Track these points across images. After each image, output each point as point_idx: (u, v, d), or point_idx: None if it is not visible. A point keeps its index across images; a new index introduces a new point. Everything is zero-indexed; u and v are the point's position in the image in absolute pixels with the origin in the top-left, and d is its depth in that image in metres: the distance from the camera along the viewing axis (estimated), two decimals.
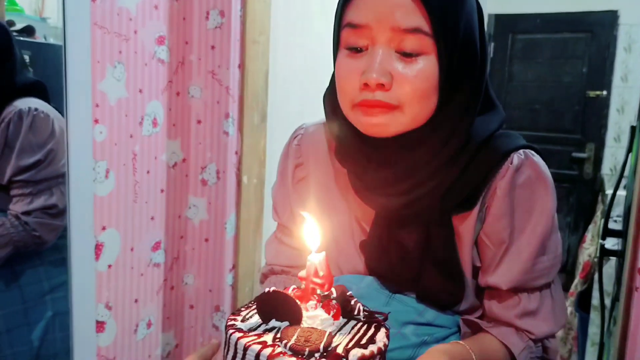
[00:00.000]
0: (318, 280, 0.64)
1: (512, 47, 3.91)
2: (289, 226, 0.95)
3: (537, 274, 0.81)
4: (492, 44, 3.96)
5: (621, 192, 1.90)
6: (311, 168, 0.92)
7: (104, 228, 1.23)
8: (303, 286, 0.65)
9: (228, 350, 0.60)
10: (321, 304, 0.64)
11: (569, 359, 2.57)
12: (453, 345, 0.76)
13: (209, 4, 1.40)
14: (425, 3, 0.70)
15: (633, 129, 1.76)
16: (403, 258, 0.83)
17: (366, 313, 0.66)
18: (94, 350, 1.26)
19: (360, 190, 0.84)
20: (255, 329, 0.61)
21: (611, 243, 1.85)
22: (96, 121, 1.17)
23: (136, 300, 1.36)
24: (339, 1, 0.77)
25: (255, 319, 0.63)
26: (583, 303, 2.34)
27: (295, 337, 0.58)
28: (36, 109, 1.40)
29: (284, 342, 0.57)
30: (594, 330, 2.22)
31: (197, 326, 1.55)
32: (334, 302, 0.64)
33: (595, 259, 2.04)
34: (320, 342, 0.57)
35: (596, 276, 1.91)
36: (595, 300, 2.20)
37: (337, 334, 0.61)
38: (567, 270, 3.74)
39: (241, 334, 0.59)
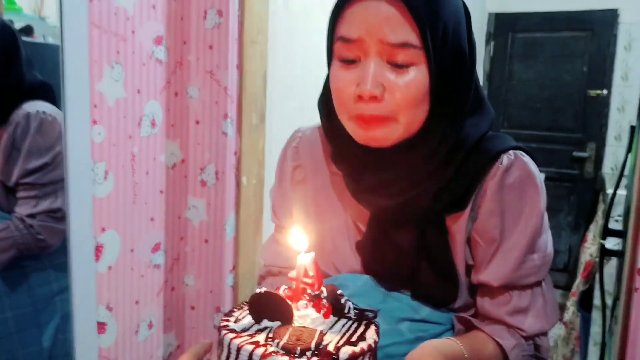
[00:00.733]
0: (308, 280, 0.67)
1: (512, 46, 3.91)
2: (288, 227, 0.96)
3: (527, 271, 0.83)
4: (493, 43, 3.96)
5: (622, 192, 1.90)
6: (309, 170, 0.95)
7: (103, 229, 1.23)
8: (294, 286, 0.67)
9: (222, 350, 0.62)
10: (312, 303, 0.66)
11: (572, 358, 2.57)
12: (445, 341, 0.78)
13: (206, 4, 1.40)
14: (414, 16, 0.72)
15: (633, 128, 1.76)
16: (398, 257, 0.86)
17: (356, 311, 0.68)
18: (96, 351, 1.26)
19: (355, 192, 0.87)
20: (248, 329, 0.63)
21: (612, 243, 1.85)
22: (94, 122, 1.17)
23: (137, 302, 1.36)
24: (330, 14, 0.79)
25: (248, 319, 0.65)
26: (585, 303, 2.34)
27: (287, 336, 0.59)
28: (44, 112, 1.41)
29: (276, 341, 0.59)
30: (595, 329, 2.22)
31: (198, 327, 1.55)
32: (324, 301, 0.66)
33: (597, 259, 2.04)
34: (312, 341, 0.59)
35: (597, 276, 1.91)
36: (596, 300, 2.20)
37: (328, 333, 0.63)
38: (569, 270, 3.74)
39: (234, 335, 0.61)
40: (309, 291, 0.66)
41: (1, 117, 1.41)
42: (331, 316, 0.66)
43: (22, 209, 1.41)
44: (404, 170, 0.81)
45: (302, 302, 0.65)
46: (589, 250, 2.46)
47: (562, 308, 2.65)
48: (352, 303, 0.69)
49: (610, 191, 1.94)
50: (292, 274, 0.67)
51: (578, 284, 2.45)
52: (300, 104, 1.81)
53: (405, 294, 0.87)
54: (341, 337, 0.62)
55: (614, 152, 3.62)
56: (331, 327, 0.64)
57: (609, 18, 3.58)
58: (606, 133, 3.65)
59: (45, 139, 1.41)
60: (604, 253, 1.81)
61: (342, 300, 0.68)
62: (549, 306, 0.86)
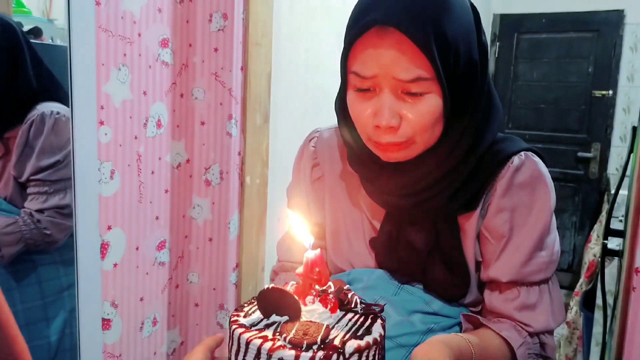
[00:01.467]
0: (315, 276, 0.68)
1: (517, 47, 3.90)
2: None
3: (535, 268, 0.85)
4: (498, 44, 3.95)
5: (625, 192, 1.90)
6: (326, 169, 0.98)
7: (109, 228, 1.26)
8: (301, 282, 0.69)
9: (232, 344, 0.63)
10: (319, 298, 0.67)
11: (575, 358, 2.57)
12: (452, 336, 0.79)
13: (212, 7, 1.42)
14: (424, 52, 0.73)
15: (635, 129, 1.76)
16: (411, 254, 0.88)
17: (363, 305, 0.70)
18: (100, 347, 1.28)
19: (371, 193, 0.90)
20: (257, 324, 0.65)
21: (615, 243, 1.85)
22: (101, 123, 1.19)
23: (142, 299, 1.38)
24: (344, 46, 0.81)
25: (257, 314, 0.67)
26: (588, 303, 2.34)
27: (294, 331, 0.61)
28: (58, 112, 1.46)
29: (284, 335, 0.61)
30: (598, 329, 2.21)
31: (202, 324, 1.57)
32: (331, 296, 0.67)
33: (600, 259, 2.04)
34: (318, 335, 0.60)
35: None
36: (599, 300, 2.20)
37: (335, 327, 0.64)
38: (573, 270, 3.73)
39: (243, 329, 0.63)
40: (316, 287, 0.67)
41: (16, 117, 1.45)
42: (338, 311, 0.68)
43: (32, 204, 1.44)
44: (419, 174, 0.83)
45: (309, 298, 0.67)
46: (593, 251, 2.46)
47: (566, 308, 2.64)
48: (359, 298, 0.70)
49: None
50: (300, 269, 0.69)
51: (581, 284, 2.45)
52: (304, 105, 1.83)
53: (417, 287, 0.90)
54: (347, 331, 0.63)
55: (619, 152, 3.60)
56: (338, 322, 0.66)
57: (615, 19, 3.56)
58: (611, 134, 3.64)
59: (59, 138, 1.45)
60: (606, 253, 1.82)
61: (350, 295, 0.69)
62: (556, 304, 0.88)
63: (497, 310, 0.87)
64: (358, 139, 0.85)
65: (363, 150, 0.87)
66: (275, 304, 0.65)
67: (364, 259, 0.94)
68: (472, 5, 0.82)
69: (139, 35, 1.27)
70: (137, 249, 1.34)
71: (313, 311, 0.65)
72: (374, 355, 0.62)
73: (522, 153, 0.86)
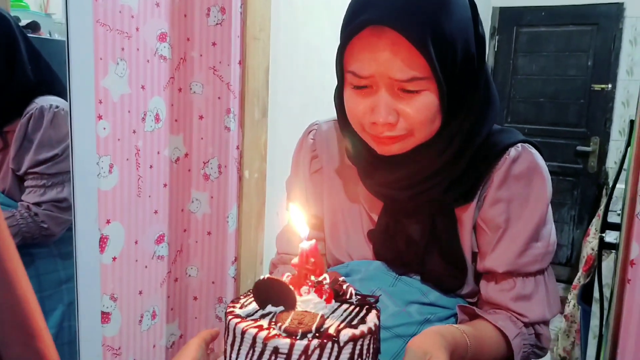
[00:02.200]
0: (310, 267, 0.69)
1: (516, 40, 3.89)
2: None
3: (531, 258, 0.86)
4: (497, 37, 3.95)
5: (623, 186, 1.90)
6: (324, 162, 0.99)
7: (108, 221, 1.26)
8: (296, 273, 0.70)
9: (228, 335, 0.64)
10: (314, 289, 0.68)
11: (572, 351, 2.58)
12: (448, 327, 0.80)
13: (210, 1, 1.42)
14: (421, 52, 0.73)
15: (632, 122, 1.76)
16: (409, 246, 0.89)
17: (358, 297, 0.71)
18: (100, 340, 1.28)
19: (369, 185, 0.91)
20: (252, 315, 0.66)
21: (613, 236, 1.86)
22: (99, 117, 1.20)
23: (140, 292, 1.39)
24: (339, 44, 0.80)
25: (253, 305, 0.68)
26: (586, 296, 2.35)
27: (289, 320, 0.62)
28: (57, 106, 1.46)
29: (279, 325, 0.62)
30: (595, 322, 2.22)
31: (200, 317, 1.58)
32: (326, 286, 0.68)
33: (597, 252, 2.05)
34: (313, 324, 0.61)
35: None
36: (596, 293, 2.20)
37: (330, 317, 0.66)
38: (571, 263, 3.74)
39: (239, 320, 0.64)
40: (311, 277, 0.68)
41: (15, 110, 1.45)
42: (333, 301, 0.69)
43: (29, 197, 1.45)
44: (416, 167, 0.84)
45: (304, 288, 0.68)
46: (591, 244, 2.47)
47: (564, 301, 2.66)
48: (354, 289, 0.71)
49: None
50: (295, 260, 0.70)
51: (579, 277, 2.46)
52: (302, 99, 1.83)
53: (414, 278, 0.90)
54: (342, 321, 0.64)
55: (618, 146, 3.60)
56: (333, 312, 0.67)
57: (615, 12, 3.56)
58: (610, 127, 3.64)
59: (57, 132, 1.45)
60: (603, 246, 1.82)
61: (345, 286, 0.70)
62: (551, 295, 0.89)
63: (493, 301, 0.88)
64: (356, 132, 0.86)
65: (361, 144, 0.87)
66: (270, 294, 0.66)
67: (362, 251, 0.95)
68: (474, 9, 0.82)
69: (137, 29, 1.27)
70: (136, 242, 1.35)
71: (308, 301, 0.66)
72: (368, 345, 0.63)
73: (519, 145, 0.86)
